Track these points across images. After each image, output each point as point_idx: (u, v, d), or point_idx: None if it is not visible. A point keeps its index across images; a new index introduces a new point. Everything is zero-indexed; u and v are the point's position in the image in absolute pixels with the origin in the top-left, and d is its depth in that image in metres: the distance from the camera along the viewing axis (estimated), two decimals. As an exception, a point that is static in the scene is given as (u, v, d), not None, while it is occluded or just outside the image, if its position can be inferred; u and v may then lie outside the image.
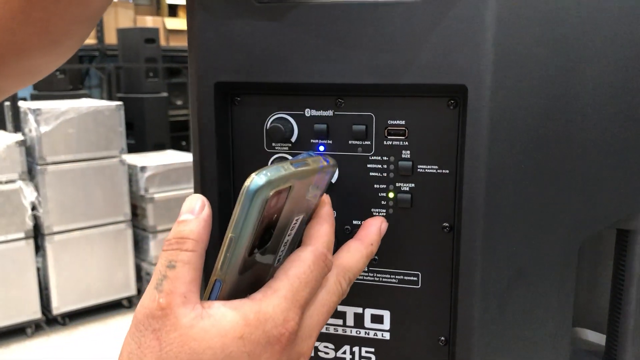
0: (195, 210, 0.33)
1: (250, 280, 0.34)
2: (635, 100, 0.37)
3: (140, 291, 3.21)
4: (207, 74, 0.39)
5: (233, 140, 0.42)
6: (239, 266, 0.32)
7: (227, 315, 0.31)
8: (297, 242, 0.36)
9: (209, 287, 0.32)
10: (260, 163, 0.41)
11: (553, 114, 0.37)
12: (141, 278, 3.21)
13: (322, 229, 0.36)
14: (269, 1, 0.38)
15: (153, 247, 3.13)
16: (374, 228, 0.38)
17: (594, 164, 0.38)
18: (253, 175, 0.30)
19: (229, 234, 0.31)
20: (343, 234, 0.41)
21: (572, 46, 0.36)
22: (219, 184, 0.41)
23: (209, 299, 0.32)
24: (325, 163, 0.36)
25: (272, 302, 0.32)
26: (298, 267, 0.33)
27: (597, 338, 0.49)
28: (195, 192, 0.41)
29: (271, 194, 0.31)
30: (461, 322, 0.39)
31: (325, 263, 0.34)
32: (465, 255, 0.38)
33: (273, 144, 0.41)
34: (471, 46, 0.35)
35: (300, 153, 0.41)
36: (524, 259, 0.38)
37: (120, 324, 3.04)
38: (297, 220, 0.35)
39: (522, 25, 0.35)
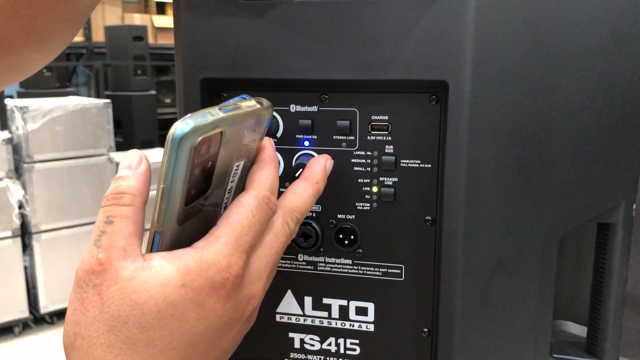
0: (133, 166, 0.33)
1: (196, 230, 0.33)
2: (614, 95, 0.38)
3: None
4: (194, 70, 0.40)
5: (219, 136, 0.42)
6: (176, 216, 0.31)
7: (167, 265, 0.31)
8: (242, 189, 0.36)
9: (149, 240, 0.32)
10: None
11: (532, 109, 0.37)
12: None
13: (264, 173, 0.35)
14: (254, -2, 0.38)
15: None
16: (318, 167, 0.38)
17: (573, 158, 0.39)
18: (177, 122, 0.29)
19: (160, 185, 0.30)
20: (328, 228, 0.42)
21: (551, 43, 0.37)
22: (206, 178, 0.41)
23: (150, 251, 0.32)
24: (258, 105, 0.35)
25: (214, 248, 0.32)
26: (240, 213, 0.33)
27: (579, 330, 0.50)
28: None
29: (198, 140, 0.30)
30: (443, 314, 0.40)
31: (268, 206, 0.34)
32: (447, 248, 0.38)
33: (259, 139, 0.41)
34: (451, 43, 0.36)
35: (286, 148, 0.41)
36: (505, 251, 0.39)
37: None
38: (237, 166, 0.35)
39: (501, 22, 0.36)
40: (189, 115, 0.30)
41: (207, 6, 0.39)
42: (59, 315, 3.02)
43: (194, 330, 0.31)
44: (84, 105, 2.96)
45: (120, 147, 3.76)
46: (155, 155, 3.37)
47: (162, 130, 4.54)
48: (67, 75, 4.88)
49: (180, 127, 0.29)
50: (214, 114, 0.31)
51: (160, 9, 6.05)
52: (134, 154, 0.34)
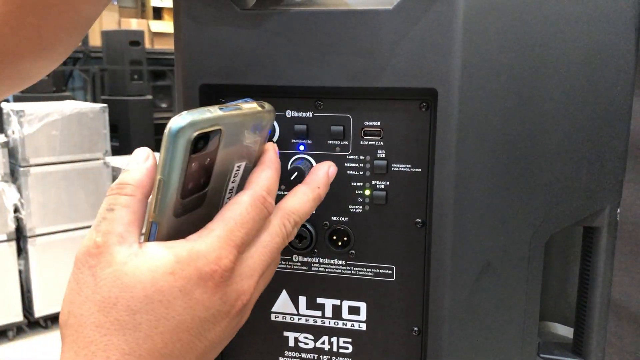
0: (140, 161, 0.35)
1: (196, 227, 0.34)
2: (597, 102, 0.40)
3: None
4: (193, 76, 0.41)
5: (217, 140, 0.43)
6: (172, 208, 0.33)
7: (159, 253, 0.32)
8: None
9: (147, 230, 0.33)
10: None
11: (519, 115, 0.39)
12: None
13: (263, 174, 0.36)
14: (252, 9, 0.40)
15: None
16: (321, 172, 0.39)
17: (559, 163, 0.40)
18: (175, 116, 0.31)
19: (157, 176, 0.32)
20: (322, 230, 0.43)
21: (536, 52, 0.38)
22: (204, 181, 0.43)
23: (147, 241, 0.33)
24: (259, 108, 0.36)
25: (206, 241, 0.33)
26: (234, 210, 0.34)
27: (565, 331, 0.51)
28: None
29: (194, 135, 0.31)
30: (433, 313, 0.41)
31: (264, 205, 0.35)
32: (437, 250, 0.40)
33: (255, 144, 0.43)
34: (441, 52, 0.37)
35: (282, 152, 0.42)
36: (492, 253, 0.40)
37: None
38: (239, 167, 0.36)
39: (489, 32, 0.37)
40: (187, 111, 0.31)
41: (206, 15, 0.40)
42: (53, 320, 3.02)
43: (180, 318, 0.32)
44: (81, 110, 2.97)
45: (116, 151, 3.77)
46: (151, 159, 3.38)
47: (158, 135, 4.54)
48: (64, 80, 4.88)
49: (178, 121, 0.30)
50: (212, 111, 0.32)
51: (157, 14, 6.06)
52: (142, 151, 0.35)
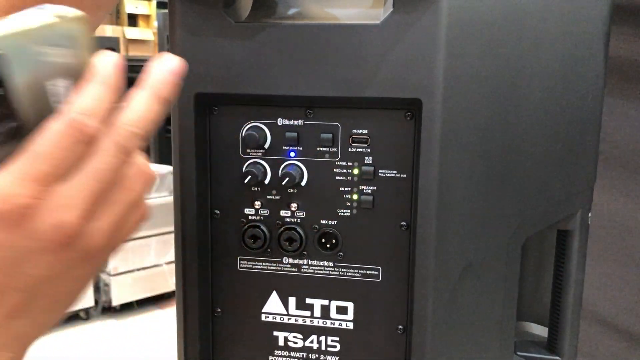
0: None
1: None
2: (570, 112, 0.42)
3: (97, 302, 3.16)
4: (188, 85, 0.43)
5: (211, 147, 0.45)
6: None
7: None
8: None
9: None
10: (235, 167, 0.45)
11: (498, 124, 0.41)
12: (99, 289, 3.16)
13: (82, 93, 0.31)
14: (245, 21, 0.42)
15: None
16: (159, 69, 0.35)
17: (535, 170, 0.43)
18: None
19: None
20: (311, 233, 0.45)
21: (514, 65, 0.41)
22: (197, 186, 0.44)
23: None
24: (53, 20, 0.30)
25: None
26: (37, 141, 0.30)
27: (540, 330, 0.54)
28: (175, 194, 0.45)
29: None
30: (417, 312, 0.42)
31: (81, 130, 0.30)
32: (420, 251, 0.42)
33: (248, 150, 0.44)
34: (425, 65, 0.39)
35: (273, 158, 0.44)
36: (473, 254, 0.42)
37: (76, 336, 2.98)
38: (57, 87, 0.31)
39: (470, 46, 0.39)
40: None
41: (201, 27, 0.42)
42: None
43: None
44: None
45: (91, 158, 3.72)
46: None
47: (133, 142, 4.49)
48: (36, 86, 4.82)
49: None
50: None
51: (132, 21, 6.01)
52: None
